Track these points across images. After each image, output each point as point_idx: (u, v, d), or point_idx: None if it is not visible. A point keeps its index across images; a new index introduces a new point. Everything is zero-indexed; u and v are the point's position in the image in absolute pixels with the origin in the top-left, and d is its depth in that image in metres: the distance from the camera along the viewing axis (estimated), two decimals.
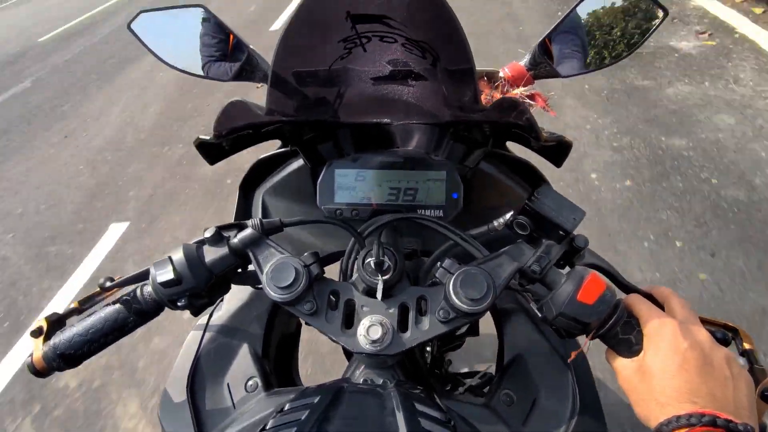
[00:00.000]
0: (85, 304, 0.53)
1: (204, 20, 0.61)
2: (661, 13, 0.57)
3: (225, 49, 0.63)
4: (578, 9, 0.59)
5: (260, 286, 0.48)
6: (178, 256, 0.48)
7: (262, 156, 0.68)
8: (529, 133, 0.48)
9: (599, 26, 0.60)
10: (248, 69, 0.63)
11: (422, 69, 0.49)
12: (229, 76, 0.63)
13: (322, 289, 0.49)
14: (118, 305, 0.50)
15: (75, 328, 0.50)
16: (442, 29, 0.43)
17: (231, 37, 0.62)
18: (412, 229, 0.67)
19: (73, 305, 0.53)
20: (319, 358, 1.65)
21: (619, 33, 0.60)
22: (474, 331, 0.87)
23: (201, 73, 0.63)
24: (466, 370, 1.00)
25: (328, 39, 0.45)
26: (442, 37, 0.43)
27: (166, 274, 0.47)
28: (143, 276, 0.52)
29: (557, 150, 0.52)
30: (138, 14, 0.59)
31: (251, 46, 0.63)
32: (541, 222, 0.49)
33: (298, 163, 0.68)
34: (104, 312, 0.50)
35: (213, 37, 0.63)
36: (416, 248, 0.68)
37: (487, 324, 0.70)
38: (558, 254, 0.48)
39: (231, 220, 0.59)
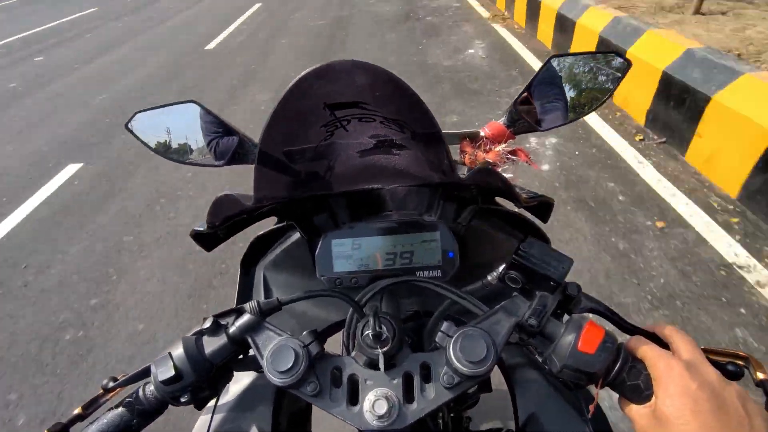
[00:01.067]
0: (88, 409, 0.53)
1: (197, 113, 0.65)
2: (626, 64, 0.60)
3: (218, 136, 0.67)
4: (547, 66, 0.62)
5: (262, 370, 0.48)
6: (177, 351, 0.49)
7: (260, 233, 0.70)
8: (509, 197, 0.49)
9: (570, 79, 0.64)
10: (241, 152, 0.66)
11: (403, 140, 0.52)
12: (223, 162, 0.66)
13: (323, 366, 0.49)
14: (120, 409, 0.50)
15: None
16: (408, 105, 0.45)
17: (222, 125, 0.66)
18: (412, 291, 0.68)
19: (77, 411, 0.52)
20: None
21: (587, 86, 0.62)
22: (486, 387, 0.85)
23: (197, 161, 0.66)
24: (486, 427, 0.96)
25: (310, 126, 0.47)
26: (410, 113, 0.46)
27: (166, 372, 0.47)
28: (145, 373, 0.52)
29: (540, 207, 0.54)
30: (134, 115, 0.63)
31: (243, 131, 0.67)
32: (532, 274, 0.50)
33: (296, 236, 0.69)
34: (107, 417, 0.50)
35: (206, 127, 0.66)
36: (418, 309, 0.68)
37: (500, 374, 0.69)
38: (553, 305, 0.48)
39: None
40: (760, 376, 0.46)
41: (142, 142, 0.64)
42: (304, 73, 0.41)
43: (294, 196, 0.59)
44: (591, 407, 0.47)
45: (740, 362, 0.47)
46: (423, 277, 0.60)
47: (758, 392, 0.45)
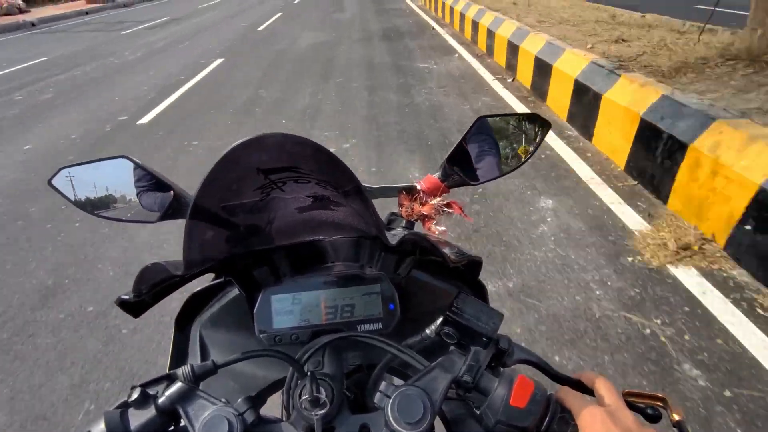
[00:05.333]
0: None
1: (128, 168, 0.63)
2: (545, 125, 0.66)
3: (151, 191, 0.65)
4: (476, 126, 0.67)
5: None
6: (98, 428, 0.45)
7: (195, 290, 0.68)
8: (439, 259, 0.52)
9: (496, 138, 0.68)
10: (176, 207, 0.65)
11: (338, 198, 0.53)
12: (157, 218, 0.64)
13: None
14: None
15: None
16: (333, 168, 0.46)
17: (156, 179, 0.64)
18: (355, 345, 0.67)
19: None
20: None
21: (513, 143, 0.67)
22: None
23: (128, 218, 0.63)
24: None
25: (245, 189, 0.48)
26: (335, 173, 0.47)
27: None
28: None
29: (470, 266, 0.56)
30: (59, 171, 0.60)
31: (178, 185, 0.65)
32: (465, 330, 0.51)
33: (234, 292, 0.68)
34: None
35: (138, 182, 0.64)
36: (361, 363, 0.68)
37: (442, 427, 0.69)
38: (486, 359, 0.50)
39: None
40: (676, 417, 0.49)
41: (66, 198, 0.61)
42: (232, 145, 0.41)
43: (232, 253, 0.58)
44: None
45: (659, 404, 0.51)
46: (364, 332, 0.60)
47: None
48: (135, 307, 0.54)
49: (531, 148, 0.66)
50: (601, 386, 0.49)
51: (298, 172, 0.47)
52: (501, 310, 0.53)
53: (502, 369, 0.52)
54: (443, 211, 0.67)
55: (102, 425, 0.46)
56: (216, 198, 0.48)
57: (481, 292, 0.68)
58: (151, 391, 0.49)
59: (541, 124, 0.66)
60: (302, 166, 0.46)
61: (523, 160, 0.66)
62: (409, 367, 0.66)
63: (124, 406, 0.48)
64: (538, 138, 0.66)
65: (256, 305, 0.63)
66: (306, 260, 0.68)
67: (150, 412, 0.48)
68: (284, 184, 0.49)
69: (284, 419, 0.55)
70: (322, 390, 0.49)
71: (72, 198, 0.61)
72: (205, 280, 0.69)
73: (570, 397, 0.48)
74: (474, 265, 0.55)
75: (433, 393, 0.47)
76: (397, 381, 0.49)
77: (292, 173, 0.47)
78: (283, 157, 0.44)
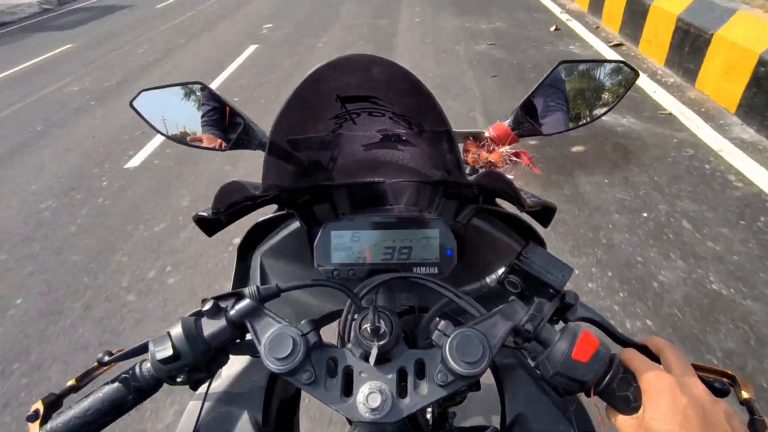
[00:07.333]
0: (82, 381, 0.52)
1: (202, 95, 0.65)
2: (633, 75, 0.61)
3: (223, 120, 0.66)
4: (556, 71, 0.63)
5: (258, 355, 0.48)
6: (176, 331, 0.49)
7: (259, 219, 0.70)
8: (514, 201, 0.50)
9: (577, 87, 0.64)
10: (245, 138, 0.66)
11: (410, 136, 0.52)
12: (227, 147, 0.66)
13: (320, 356, 0.49)
14: (117, 384, 0.50)
15: (72, 411, 0.49)
16: (422, 105, 0.45)
17: (228, 109, 0.65)
18: (409, 286, 0.68)
19: (70, 383, 0.52)
20: None
21: (594, 94, 0.63)
22: (476, 386, 0.86)
23: (200, 144, 0.65)
24: (469, 423, 0.98)
25: (321, 117, 0.47)
26: (422, 111, 0.46)
27: (164, 351, 0.47)
28: (142, 349, 0.52)
29: (543, 213, 0.54)
30: (139, 93, 0.62)
31: (248, 117, 0.66)
32: (531, 280, 0.50)
33: (295, 224, 0.69)
34: (102, 392, 0.50)
35: (211, 110, 0.66)
36: (413, 305, 0.68)
37: (489, 374, 0.70)
38: (550, 312, 0.49)
39: None
40: (745, 395, 0.47)
41: (146, 121, 0.63)
42: (320, 65, 0.41)
43: (298, 185, 0.59)
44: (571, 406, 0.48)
45: (726, 380, 0.48)
46: (422, 275, 0.60)
47: (742, 410, 0.47)
48: (210, 225, 0.57)
49: (614, 99, 0.62)
50: (670, 353, 0.46)
51: (375, 103, 0.46)
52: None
53: (563, 323, 0.51)
54: (511, 160, 0.65)
55: (179, 329, 0.49)
56: (288, 130, 0.49)
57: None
58: (222, 305, 0.52)
59: (627, 72, 0.61)
60: (382, 96, 0.45)
61: (604, 110, 0.62)
62: (462, 314, 0.66)
63: (198, 315, 0.51)
64: (623, 88, 0.61)
65: (316, 239, 0.64)
66: (366, 201, 0.68)
67: (221, 323, 0.50)
68: (358, 116, 0.49)
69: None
70: (382, 321, 0.50)
71: (150, 120, 0.63)
72: (268, 211, 0.70)
73: (636, 359, 0.45)
74: (547, 211, 0.53)
75: (491, 338, 0.47)
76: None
77: (368, 104, 0.46)
78: (365, 83, 0.43)
